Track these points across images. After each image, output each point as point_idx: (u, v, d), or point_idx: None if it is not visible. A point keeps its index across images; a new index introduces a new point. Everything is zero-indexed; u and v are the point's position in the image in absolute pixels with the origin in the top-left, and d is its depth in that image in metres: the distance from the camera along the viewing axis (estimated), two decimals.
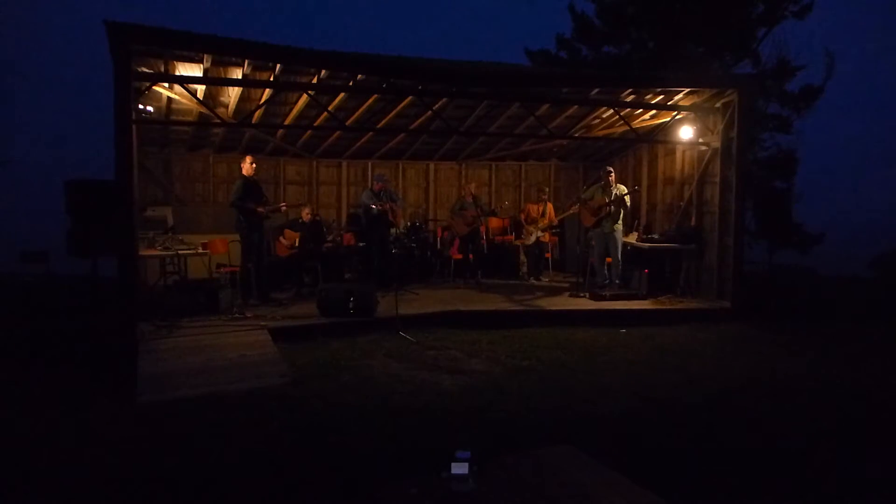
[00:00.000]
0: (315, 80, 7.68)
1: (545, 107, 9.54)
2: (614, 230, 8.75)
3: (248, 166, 8.15)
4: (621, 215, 8.84)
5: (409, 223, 10.88)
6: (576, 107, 9.64)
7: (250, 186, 8.07)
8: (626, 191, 8.86)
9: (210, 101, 8.35)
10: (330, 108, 8.19)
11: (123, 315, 6.08)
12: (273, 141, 10.65)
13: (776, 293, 9.26)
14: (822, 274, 14.09)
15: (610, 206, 8.69)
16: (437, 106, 8.64)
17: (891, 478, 3.62)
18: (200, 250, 8.40)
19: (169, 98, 7.98)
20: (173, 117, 8.78)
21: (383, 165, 12.20)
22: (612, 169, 9.04)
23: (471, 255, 10.36)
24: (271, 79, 7.57)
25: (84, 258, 6.42)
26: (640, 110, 9.67)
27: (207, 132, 9.98)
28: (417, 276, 10.27)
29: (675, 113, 9.10)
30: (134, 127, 6.51)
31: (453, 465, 2.06)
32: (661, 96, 9.09)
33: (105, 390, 5.02)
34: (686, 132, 9.03)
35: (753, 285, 9.17)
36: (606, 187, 8.85)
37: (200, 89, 7.83)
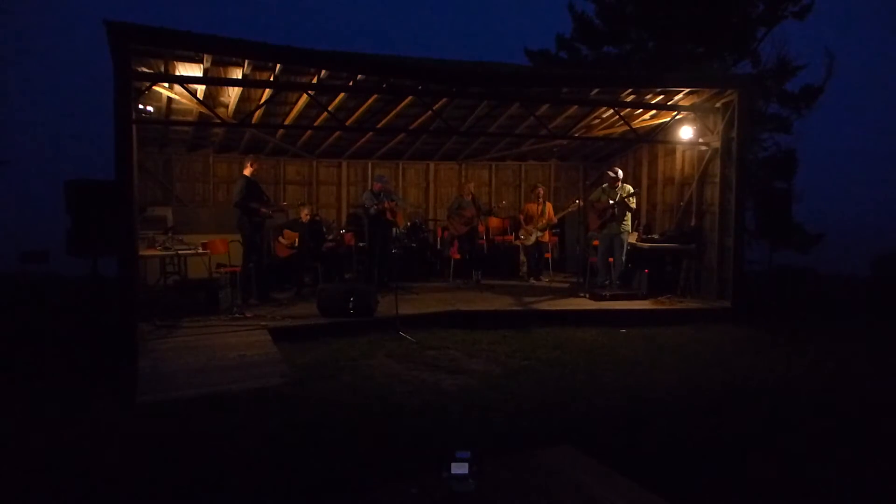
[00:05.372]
0: (315, 80, 7.68)
1: (545, 107, 9.53)
2: (621, 232, 8.70)
3: (249, 167, 8.17)
4: (628, 216, 8.78)
5: (409, 223, 10.87)
6: (576, 107, 9.63)
7: (252, 186, 8.09)
8: (631, 190, 8.79)
9: (210, 101, 8.35)
10: (330, 108, 8.19)
11: (123, 315, 6.08)
12: (273, 141, 10.65)
13: (776, 293, 9.25)
14: (822, 274, 14.08)
15: (614, 209, 8.65)
16: (437, 106, 8.63)
17: (892, 477, 3.62)
18: (200, 250, 8.40)
19: (169, 98, 7.98)
20: (173, 117, 8.78)
21: (383, 165, 12.20)
22: (619, 169, 8.98)
23: (467, 255, 10.35)
24: (271, 79, 7.57)
25: (84, 258, 6.42)
26: (640, 110, 9.67)
27: (207, 132, 9.99)
28: (417, 276, 10.27)
29: (675, 113, 9.10)
30: (134, 127, 6.50)
31: (453, 465, 2.06)
32: (661, 96, 9.09)
33: (105, 390, 5.02)
34: (686, 132, 9.03)
35: (753, 285, 9.16)
36: (610, 189, 8.82)
37: (200, 89, 7.83)
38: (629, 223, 8.85)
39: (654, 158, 10.87)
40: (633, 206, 8.81)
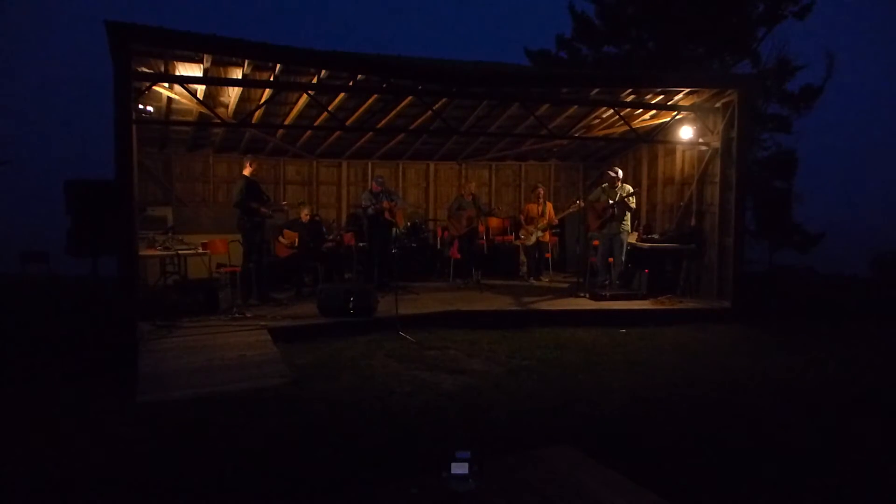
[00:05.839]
0: (315, 80, 7.69)
1: (545, 107, 9.53)
2: (620, 231, 8.70)
3: (249, 167, 8.18)
4: (627, 216, 8.78)
5: (409, 223, 10.87)
6: (576, 107, 9.63)
7: (252, 186, 8.10)
8: (631, 190, 8.80)
9: (210, 101, 8.35)
10: (330, 108, 8.19)
11: (123, 315, 6.08)
12: (273, 141, 10.65)
13: (776, 293, 9.26)
14: (822, 273, 14.10)
15: (613, 209, 8.65)
16: (437, 106, 8.63)
17: (891, 477, 3.62)
18: (200, 250, 8.40)
19: (169, 98, 7.98)
20: (173, 117, 8.78)
21: (383, 165, 12.20)
22: (619, 169, 8.99)
23: (467, 255, 10.35)
24: (271, 79, 7.57)
25: (84, 258, 6.44)
26: (641, 110, 9.67)
27: (207, 132, 9.99)
28: (417, 276, 10.27)
29: (676, 113, 9.10)
30: (134, 127, 6.51)
31: (453, 465, 2.06)
32: (661, 96, 9.09)
33: (105, 390, 5.02)
34: (686, 132, 9.03)
35: (753, 285, 9.17)
36: (610, 188, 8.82)
37: (200, 89, 7.84)
38: (629, 223, 8.85)
39: (654, 158, 10.87)
40: (633, 205, 8.81)
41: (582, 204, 9.27)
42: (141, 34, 6.18)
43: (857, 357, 6.39)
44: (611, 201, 8.69)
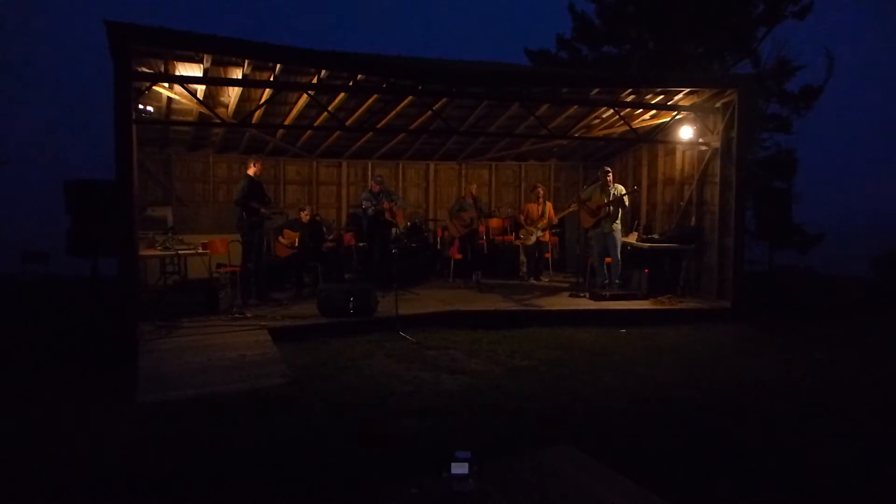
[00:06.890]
0: (315, 80, 7.69)
1: (545, 107, 9.54)
2: (613, 230, 8.73)
3: (253, 166, 8.19)
4: (620, 215, 8.82)
5: (409, 223, 10.87)
6: (576, 107, 9.64)
7: (254, 186, 8.10)
8: (624, 191, 8.84)
9: (210, 101, 8.35)
10: (330, 108, 8.19)
11: (123, 315, 6.08)
12: (273, 141, 10.65)
13: (776, 293, 9.25)
14: (823, 274, 14.09)
15: (609, 207, 8.68)
16: (437, 106, 8.64)
17: (890, 477, 3.62)
18: (200, 250, 8.41)
19: (169, 98, 7.98)
20: (173, 117, 8.79)
21: (383, 165, 12.20)
22: (609, 169, 9.03)
23: (468, 255, 10.35)
24: (271, 79, 7.58)
25: (84, 258, 6.43)
26: (641, 110, 9.67)
27: (207, 132, 9.99)
28: (417, 276, 10.27)
29: (675, 113, 9.10)
30: (134, 127, 6.51)
31: (453, 465, 2.06)
32: (661, 96, 9.09)
33: (105, 390, 5.02)
34: (686, 132, 9.03)
35: (753, 285, 9.17)
36: (605, 187, 8.84)
37: (200, 89, 7.84)
38: (619, 221, 8.89)
39: (654, 158, 10.87)
40: (627, 204, 8.89)
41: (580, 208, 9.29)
42: (141, 34, 6.18)
43: (856, 357, 6.39)
44: (606, 200, 8.72)
